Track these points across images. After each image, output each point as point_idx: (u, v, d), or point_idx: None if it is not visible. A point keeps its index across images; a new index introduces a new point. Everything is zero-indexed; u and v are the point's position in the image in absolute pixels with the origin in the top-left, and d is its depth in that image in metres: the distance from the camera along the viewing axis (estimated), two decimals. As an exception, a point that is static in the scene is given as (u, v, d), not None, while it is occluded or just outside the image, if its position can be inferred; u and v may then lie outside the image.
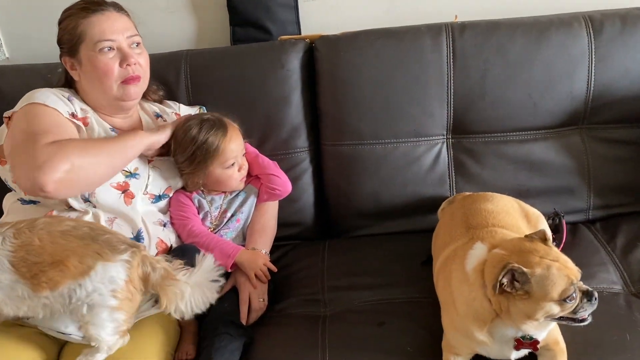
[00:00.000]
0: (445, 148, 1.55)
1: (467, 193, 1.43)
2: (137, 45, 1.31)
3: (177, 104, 1.50)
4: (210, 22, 1.81)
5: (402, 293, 1.33)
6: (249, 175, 1.44)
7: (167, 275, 1.11)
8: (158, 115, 1.45)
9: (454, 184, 1.54)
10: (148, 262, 1.10)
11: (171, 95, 1.52)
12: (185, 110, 1.49)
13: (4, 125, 1.25)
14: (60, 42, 1.30)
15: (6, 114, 1.24)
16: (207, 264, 1.15)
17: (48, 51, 1.81)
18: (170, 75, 1.54)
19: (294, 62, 1.54)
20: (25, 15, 1.82)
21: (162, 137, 1.32)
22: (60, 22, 1.31)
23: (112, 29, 1.27)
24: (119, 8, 1.32)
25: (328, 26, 1.72)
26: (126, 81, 1.28)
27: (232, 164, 1.37)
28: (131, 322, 1.13)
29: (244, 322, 1.27)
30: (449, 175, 1.54)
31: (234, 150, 1.35)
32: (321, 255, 1.51)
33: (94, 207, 1.25)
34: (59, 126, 1.19)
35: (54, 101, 1.22)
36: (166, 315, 1.26)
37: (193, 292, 1.11)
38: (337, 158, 1.55)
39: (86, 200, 1.25)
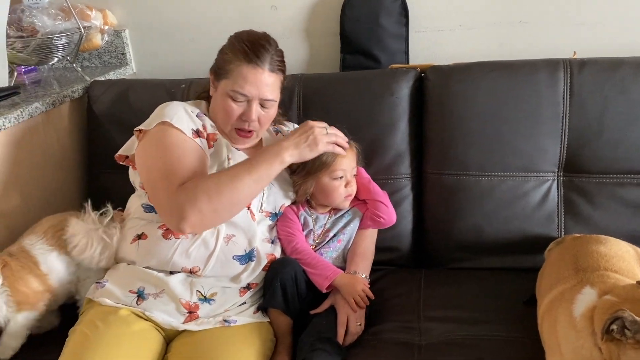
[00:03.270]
0: (555, 186, 1.50)
1: (578, 235, 1.37)
2: (267, 102, 1.33)
3: (293, 124, 1.56)
4: (322, 49, 1.89)
5: (502, 330, 1.28)
6: (357, 199, 1.46)
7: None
8: (277, 131, 1.51)
9: (563, 224, 1.48)
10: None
11: (284, 115, 1.59)
12: (299, 130, 1.53)
13: (134, 137, 1.34)
14: (216, 59, 1.37)
15: (139, 127, 1.32)
16: None
17: (170, 68, 1.97)
18: (284, 96, 1.60)
19: (404, 90, 1.56)
20: (154, 34, 1.99)
21: (309, 155, 1.28)
22: (225, 45, 1.36)
23: (253, 86, 1.29)
24: (275, 67, 1.32)
25: (436, 57, 1.74)
26: (239, 132, 1.35)
27: (341, 177, 1.39)
28: None
29: (340, 343, 1.28)
30: (558, 214, 1.49)
31: (345, 165, 1.39)
32: (417, 284, 1.49)
33: None
34: (185, 157, 1.25)
35: (180, 119, 1.29)
36: (264, 325, 1.32)
37: None
38: (440, 187, 1.54)
39: None
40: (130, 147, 1.34)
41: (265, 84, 1.30)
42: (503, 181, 1.50)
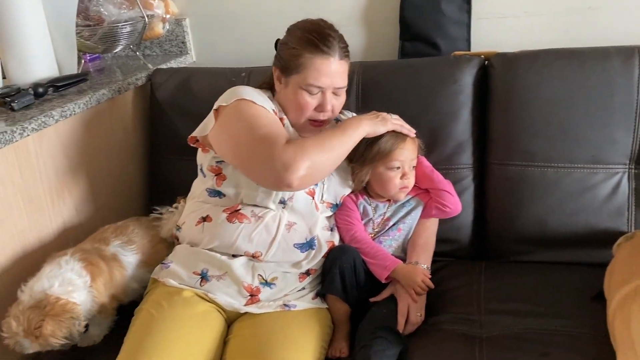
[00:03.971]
0: (626, 178, 1.44)
1: (650, 229, 1.32)
2: (339, 89, 1.34)
3: (352, 113, 1.55)
4: (380, 36, 1.87)
5: (568, 326, 1.24)
6: (419, 188, 1.44)
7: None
8: (337, 120, 1.51)
9: (633, 218, 1.43)
10: None
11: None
12: (359, 120, 1.53)
13: (210, 117, 1.34)
14: (278, 54, 1.36)
15: (218, 104, 1.33)
16: None
17: (229, 57, 2.00)
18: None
19: (467, 78, 1.53)
20: (213, 23, 2.01)
21: (376, 129, 1.32)
22: (287, 38, 1.35)
23: (327, 77, 1.29)
24: (343, 54, 1.32)
25: (499, 45, 1.69)
26: (312, 122, 1.35)
27: (397, 168, 1.37)
28: None
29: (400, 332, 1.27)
30: (629, 208, 1.43)
31: (403, 156, 1.37)
32: (477, 276, 1.46)
33: (283, 209, 1.32)
34: (278, 125, 1.27)
35: (258, 99, 1.30)
36: (322, 311, 1.32)
37: None
38: (503, 178, 1.51)
39: (282, 202, 1.32)
40: (203, 128, 1.35)
41: (337, 72, 1.30)
42: (570, 173, 1.45)
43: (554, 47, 1.53)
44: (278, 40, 1.40)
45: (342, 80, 1.32)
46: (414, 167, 1.41)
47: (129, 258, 1.42)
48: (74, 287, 1.26)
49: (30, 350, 1.23)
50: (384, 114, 1.35)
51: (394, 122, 1.35)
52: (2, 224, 1.33)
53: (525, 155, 1.47)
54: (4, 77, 1.56)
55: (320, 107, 1.32)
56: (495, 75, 1.52)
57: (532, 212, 1.48)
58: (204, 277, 1.31)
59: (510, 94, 1.48)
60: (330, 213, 1.41)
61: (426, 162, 1.45)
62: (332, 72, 1.29)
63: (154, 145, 1.80)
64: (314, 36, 1.29)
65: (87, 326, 1.26)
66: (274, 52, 1.40)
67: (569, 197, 1.45)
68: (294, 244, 1.31)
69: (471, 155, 1.55)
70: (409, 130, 1.37)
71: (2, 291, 1.34)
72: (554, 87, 1.45)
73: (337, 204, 1.42)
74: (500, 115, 1.50)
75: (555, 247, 1.47)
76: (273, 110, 1.33)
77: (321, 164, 1.22)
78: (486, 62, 1.57)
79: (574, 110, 1.44)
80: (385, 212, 1.43)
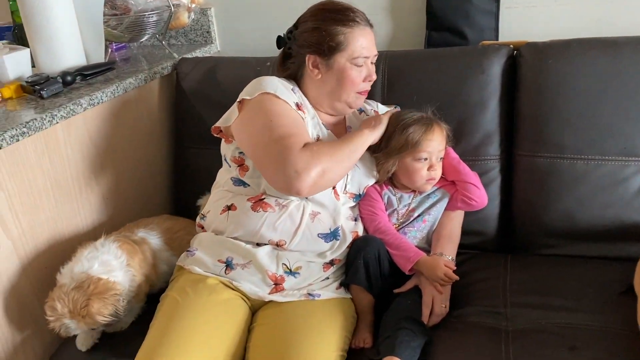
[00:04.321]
0: (659, 171, 1.41)
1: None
2: (375, 57, 1.39)
3: (376, 102, 1.54)
4: (407, 26, 1.85)
5: (597, 321, 1.22)
6: (445, 180, 1.43)
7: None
8: (361, 111, 1.50)
9: (666, 212, 1.39)
10: None
11: (368, 93, 1.57)
12: (382, 109, 1.52)
13: (234, 108, 1.34)
14: (306, 42, 1.35)
15: (241, 97, 1.33)
16: None
17: (253, 46, 1.99)
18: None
19: (495, 68, 1.50)
20: (238, 12, 2.01)
21: (377, 134, 1.37)
22: (312, 24, 1.35)
23: (369, 46, 1.35)
24: (368, 22, 1.37)
25: (528, 34, 1.66)
26: (360, 93, 1.38)
27: (425, 159, 1.36)
28: None
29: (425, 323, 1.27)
30: (661, 202, 1.40)
31: (431, 147, 1.35)
32: (503, 268, 1.45)
33: (306, 199, 1.32)
34: (297, 125, 1.27)
35: (283, 92, 1.30)
36: (346, 301, 1.32)
37: None
38: (531, 170, 1.48)
39: None
40: (227, 118, 1.36)
41: (372, 40, 1.37)
42: (600, 165, 1.42)
43: (585, 37, 1.49)
44: (280, 37, 1.43)
45: (376, 48, 1.39)
46: (441, 158, 1.39)
47: (155, 240, 1.47)
48: (113, 267, 1.29)
49: (77, 331, 1.26)
50: (374, 117, 1.41)
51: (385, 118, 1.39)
52: (34, 210, 1.35)
53: (554, 147, 1.45)
54: (33, 66, 1.58)
55: (368, 77, 1.37)
56: (525, 65, 1.49)
57: (561, 205, 1.45)
58: (228, 265, 1.31)
59: (540, 85, 1.45)
60: (353, 203, 1.40)
61: (453, 154, 1.43)
62: (371, 41, 1.36)
63: (179, 134, 1.81)
64: (342, 13, 1.33)
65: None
66: (299, 41, 1.39)
67: (599, 190, 1.42)
68: (318, 234, 1.31)
69: (498, 147, 1.52)
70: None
71: (37, 275, 1.37)
72: (586, 78, 1.42)
73: (360, 194, 1.41)
74: (529, 106, 1.48)
75: (584, 241, 1.45)
76: (296, 103, 1.32)
77: (331, 173, 1.23)
78: (515, 51, 1.54)
79: (606, 101, 1.40)
80: (410, 203, 1.42)
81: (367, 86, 1.38)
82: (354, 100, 1.38)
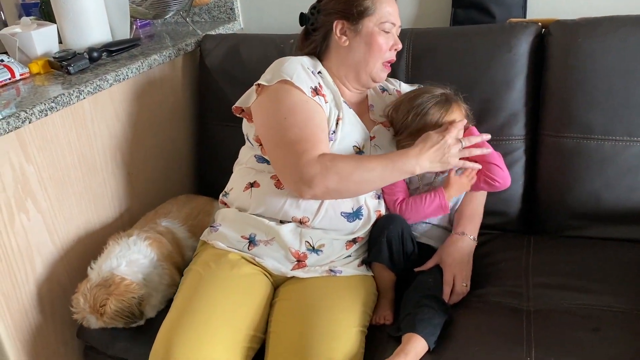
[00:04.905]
0: (689, 153, 1.38)
1: None
2: (399, 28, 1.41)
3: (398, 81, 1.53)
4: (432, 3, 1.82)
5: (621, 303, 1.21)
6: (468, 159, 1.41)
7: None
8: (383, 90, 1.49)
9: (696, 195, 1.36)
10: None
11: (391, 72, 1.56)
12: (405, 88, 1.51)
13: (252, 90, 1.35)
14: (333, 8, 1.36)
15: (259, 82, 1.32)
16: None
17: (277, 24, 1.99)
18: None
19: (523, 46, 1.48)
20: (262, -11, 2.00)
21: (432, 167, 1.27)
22: None
23: (395, 14, 1.37)
24: None
25: (556, 12, 1.63)
26: (386, 63, 1.37)
27: None
28: None
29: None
30: (690, 184, 1.37)
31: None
32: (525, 249, 1.43)
33: None
34: (313, 124, 1.25)
35: (300, 78, 1.29)
36: (368, 279, 1.33)
37: None
38: (557, 151, 1.46)
39: None
40: (246, 99, 1.36)
41: (397, 10, 1.39)
42: (629, 146, 1.39)
43: (616, 14, 1.45)
44: (303, 13, 1.43)
45: (400, 20, 1.41)
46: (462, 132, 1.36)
47: (179, 229, 1.50)
48: (140, 268, 1.32)
49: (96, 326, 1.30)
50: (453, 150, 1.25)
51: (459, 158, 1.28)
52: (62, 184, 1.38)
53: (581, 127, 1.42)
54: (60, 42, 1.60)
55: (394, 45, 1.38)
56: (553, 43, 1.46)
57: (586, 187, 1.43)
58: (251, 242, 1.33)
59: (569, 63, 1.42)
60: None
61: (477, 133, 1.41)
62: (396, 10, 1.38)
63: (203, 111, 1.82)
64: None
65: (142, 313, 1.31)
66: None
67: (627, 172, 1.40)
68: (341, 212, 1.32)
69: (524, 127, 1.50)
70: (476, 153, 1.31)
71: (66, 248, 1.41)
72: (616, 56, 1.38)
73: None
74: (557, 85, 1.45)
75: (610, 223, 1.43)
76: (315, 88, 1.31)
77: (341, 192, 1.24)
78: (543, 29, 1.51)
79: (636, 81, 1.37)
80: (432, 183, 1.41)
81: (393, 56, 1.38)
82: (378, 73, 1.38)
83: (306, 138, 1.23)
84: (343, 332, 1.17)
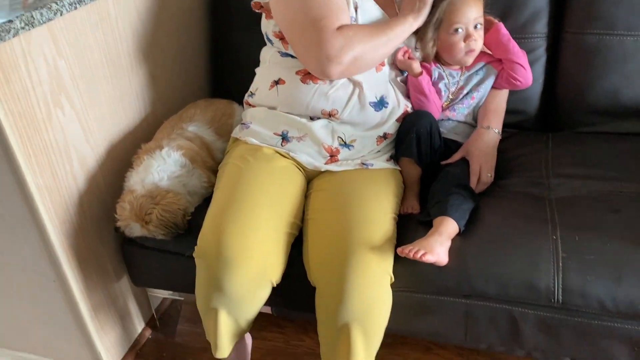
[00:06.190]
0: None
1: None
2: None
3: None
4: None
5: (639, 188, 1.29)
6: (491, 56, 1.43)
7: None
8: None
9: None
10: None
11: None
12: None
13: None
14: None
15: None
16: None
17: None
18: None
19: (550, -60, 1.47)
20: None
21: (421, 20, 1.32)
22: None
23: None
24: None
25: None
26: None
27: (457, 30, 1.33)
28: None
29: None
30: None
31: (465, 18, 1.32)
32: (545, 144, 1.50)
33: None
34: (334, 3, 1.23)
35: None
36: (396, 172, 1.39)
37: None
38: (579, 48, 1.49)
39: None
40: None
41: None
42: (650, 42, 1.42)
43: None
44: None
45: None
46: (480, 25, 1.35)
47: (207, 133, 1.52)
48: (180, 179, 1.37)
49: (138, 234, 1.35)
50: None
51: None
52: (92, 81, 1.37)
53: (604, 23, 1.44)
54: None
55: None
56: (581, -63, 1.45)
57: (606, 83, 1.47)
58: (284, 138, 1.36)
59: (596, -43, 1.43)
60: (398, 77, 1.42)
61: (504, 30, 1.41)
62: None
63: (220, 14, 1.79)
64: None
65: (185, 224, 1.35)
66: None
67: (648, 68, 1.44)
68: (369, 102, 1.34)
69: (546, 25, 1.52)
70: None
71: (98, 147, 1.43)
72: (643, -51, 1.39)
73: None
74: (582, -21, 1.46)
75: (627, 118, 1.48)
76: None
77: (364, 60, 1.25)
78: None
79: (662, -25, 1.38)
80: (458, 81, 1.44)
81: None
82: None
83: (326, 15, 1.22)
84: (378, 217, 1.23)
